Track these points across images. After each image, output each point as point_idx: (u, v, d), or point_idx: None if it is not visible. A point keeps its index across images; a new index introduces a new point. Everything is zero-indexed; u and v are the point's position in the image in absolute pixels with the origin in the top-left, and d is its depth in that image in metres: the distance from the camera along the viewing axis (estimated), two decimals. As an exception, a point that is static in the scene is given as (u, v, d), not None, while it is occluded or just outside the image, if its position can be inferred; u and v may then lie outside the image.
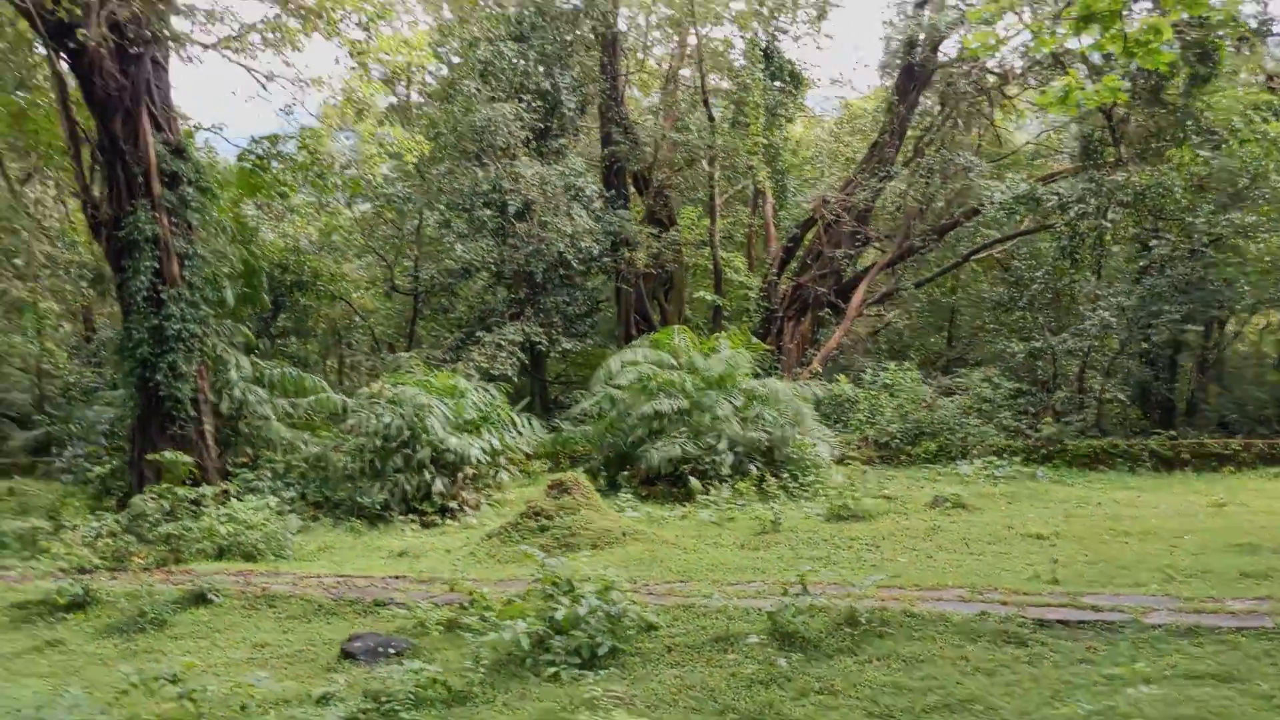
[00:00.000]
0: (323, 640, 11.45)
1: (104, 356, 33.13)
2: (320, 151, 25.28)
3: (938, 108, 32.10)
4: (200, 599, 13.07)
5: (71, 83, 20.14)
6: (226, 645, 11.56)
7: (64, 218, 39.74)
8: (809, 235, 32.37)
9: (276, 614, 12.67)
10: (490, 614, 10.15)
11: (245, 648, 11.41)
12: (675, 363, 21.98)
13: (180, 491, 17.01)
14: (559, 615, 9.54)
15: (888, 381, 26.34)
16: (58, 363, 32.72)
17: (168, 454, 17.98)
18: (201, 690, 7.57)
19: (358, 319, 37.49)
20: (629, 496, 19.35)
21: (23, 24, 26.72)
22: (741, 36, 34.34)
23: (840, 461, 21.88)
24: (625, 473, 20.93)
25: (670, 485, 19.97)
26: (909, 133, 32.24)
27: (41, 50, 28.85)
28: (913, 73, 30.56)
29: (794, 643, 9.32)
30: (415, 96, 35.45)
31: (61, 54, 18.88)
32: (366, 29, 19.44)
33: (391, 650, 10.29)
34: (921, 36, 29.59)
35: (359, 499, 18.85)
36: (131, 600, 13.14)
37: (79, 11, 16.26)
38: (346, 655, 10.46)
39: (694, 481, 18.97)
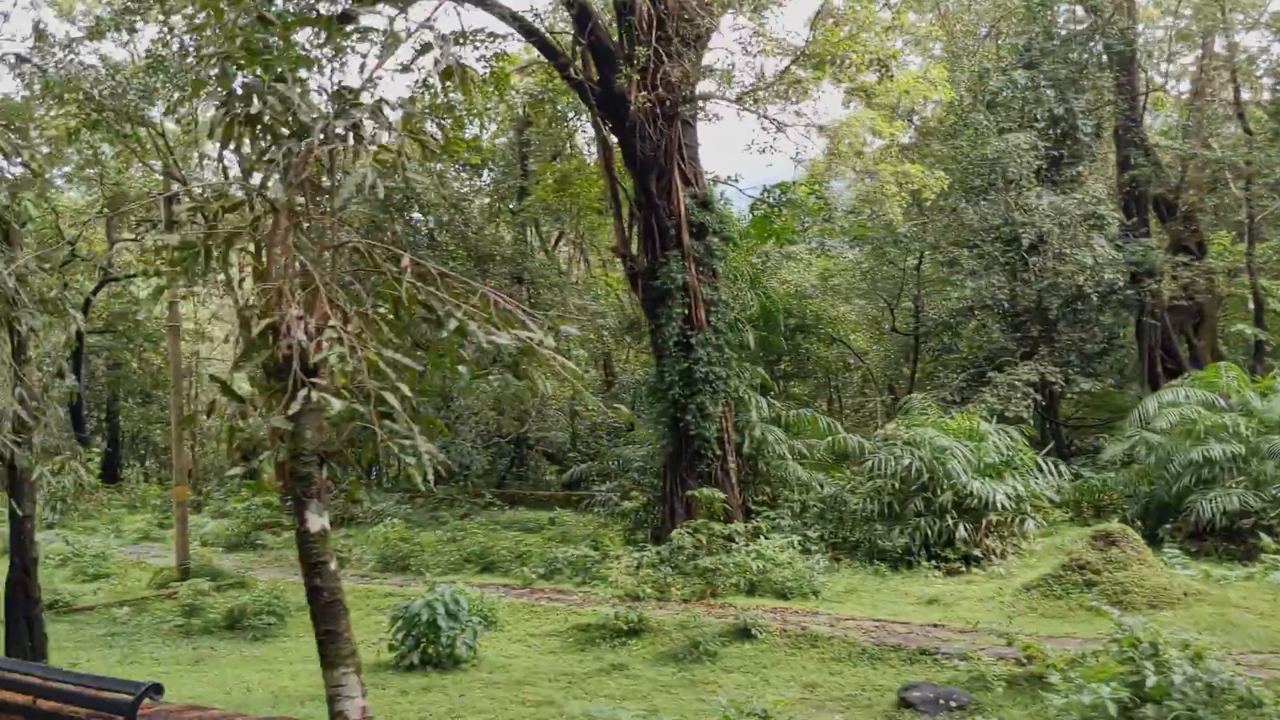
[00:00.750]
0: (873, 686, 11.29)
1: (623, 399, 35.81)
2: (826, 195, 25.68)
3: None
4: (744, 633, 13.44)
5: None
6: (777, 683, 11.72)
7: (583, 275, 43.93)
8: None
9: (819, 654, 12.71)
10: (1069, 673, 9.37)
11: (796, 687, 11.50)
12: (1224, 404, 19.67)
13: (715, 527, 17.75)
14: (1148, 682, 8.60)
15: None
16: (587, 405, 35.79)
17: (704, 491, 18.83)
18: (793, 728, 7.61)
19: (852, 360, 37.62)
20: (1175, 551, 17.49)
21: (563, 100, 30.05)
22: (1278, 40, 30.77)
23: None
24: (1167, 525, 19.00)
25: (1225, 540, 17.87)
26: None
27: (573, 122, 32.34)
28: None
29: None
30: (904, 139, 35.13)
31: (606, 121, 20.74)
32: (884, 67, 19.43)
33: (953, 703, 9.87)
34: None
35: (878, 541, 18.61)
36: (681, 630, 13.78)
37: (637, 76, 17.77)
38: (905, 704, 10.19)
39: (1265, 538, 16.71)
